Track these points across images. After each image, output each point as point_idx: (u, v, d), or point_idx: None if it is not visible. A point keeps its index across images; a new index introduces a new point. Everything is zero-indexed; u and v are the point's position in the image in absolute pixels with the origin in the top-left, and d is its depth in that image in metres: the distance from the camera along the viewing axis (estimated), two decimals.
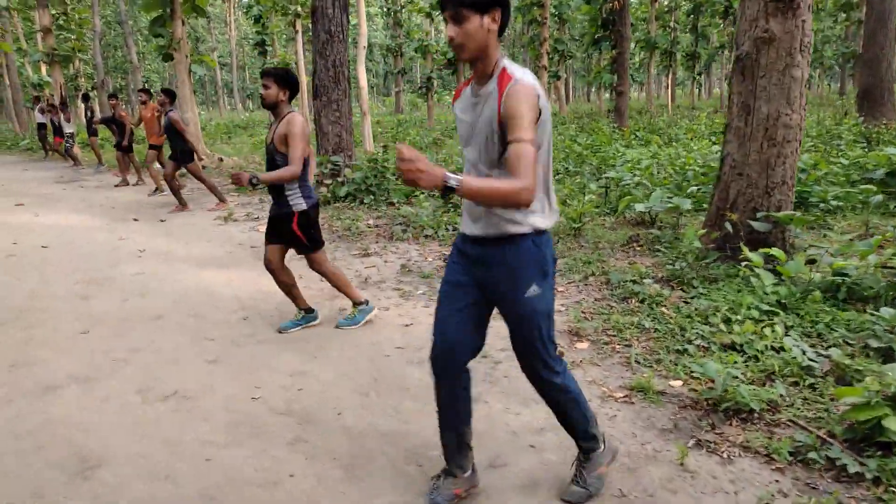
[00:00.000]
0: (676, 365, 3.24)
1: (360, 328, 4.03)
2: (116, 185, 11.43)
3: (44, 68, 30.66)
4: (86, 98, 13.63)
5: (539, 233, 1.94)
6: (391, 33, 41.44)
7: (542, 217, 1.94)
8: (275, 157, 3.67)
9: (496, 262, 1.97)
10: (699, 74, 30.89)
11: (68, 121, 14.73)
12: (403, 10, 41.69)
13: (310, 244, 3.83)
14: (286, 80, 3.64)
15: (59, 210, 8.91)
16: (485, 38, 1.80)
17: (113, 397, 3.17)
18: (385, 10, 40.35)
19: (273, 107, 3.65)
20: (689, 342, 3.46)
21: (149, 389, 3.25)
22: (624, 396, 3.00)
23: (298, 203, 3.73)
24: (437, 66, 25.18)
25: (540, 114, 1.80)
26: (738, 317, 3.60)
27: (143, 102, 9.71)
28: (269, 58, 29.13)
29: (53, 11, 21.60)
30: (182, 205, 8.61)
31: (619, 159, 8.58)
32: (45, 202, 9.67)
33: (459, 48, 1.79)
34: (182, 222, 7.81)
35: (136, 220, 8.04)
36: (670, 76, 29.80)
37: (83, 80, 36.25)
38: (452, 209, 7.25)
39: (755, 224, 4.55)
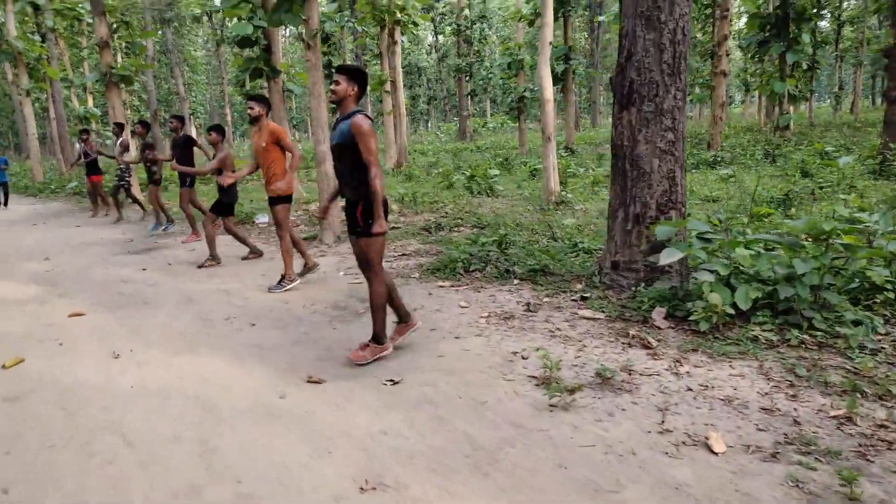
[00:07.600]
0: None
1: None
2: (201, 266, 7.08)
3: (90, 99, 27.49)
4: (177, 135, 8.85)
5: None
6: (458, 51, 37.55)
7: None
8: None
9: None
10: None
11: (125, 149, 10.74)
12: (474, 27, 37.98)
13: None
14: None
15: (151, 333, 4.59)
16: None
17: None
18: (455, 28, 36.61)
19: None
20: None
21: None
22: None
23: None
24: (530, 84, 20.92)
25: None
26: None
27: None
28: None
29: (112, 20, 18.08)
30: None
31: None
32: (123, 306, 5.39)
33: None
34: (420, 398, 3.44)
35: (311, 380, 3.71)
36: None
37: (129, 111, 33.12)
38: None
39: None
